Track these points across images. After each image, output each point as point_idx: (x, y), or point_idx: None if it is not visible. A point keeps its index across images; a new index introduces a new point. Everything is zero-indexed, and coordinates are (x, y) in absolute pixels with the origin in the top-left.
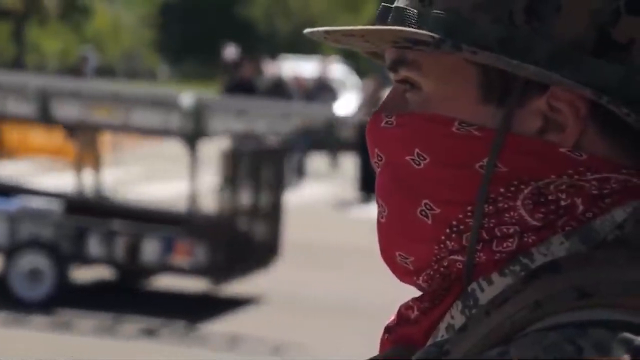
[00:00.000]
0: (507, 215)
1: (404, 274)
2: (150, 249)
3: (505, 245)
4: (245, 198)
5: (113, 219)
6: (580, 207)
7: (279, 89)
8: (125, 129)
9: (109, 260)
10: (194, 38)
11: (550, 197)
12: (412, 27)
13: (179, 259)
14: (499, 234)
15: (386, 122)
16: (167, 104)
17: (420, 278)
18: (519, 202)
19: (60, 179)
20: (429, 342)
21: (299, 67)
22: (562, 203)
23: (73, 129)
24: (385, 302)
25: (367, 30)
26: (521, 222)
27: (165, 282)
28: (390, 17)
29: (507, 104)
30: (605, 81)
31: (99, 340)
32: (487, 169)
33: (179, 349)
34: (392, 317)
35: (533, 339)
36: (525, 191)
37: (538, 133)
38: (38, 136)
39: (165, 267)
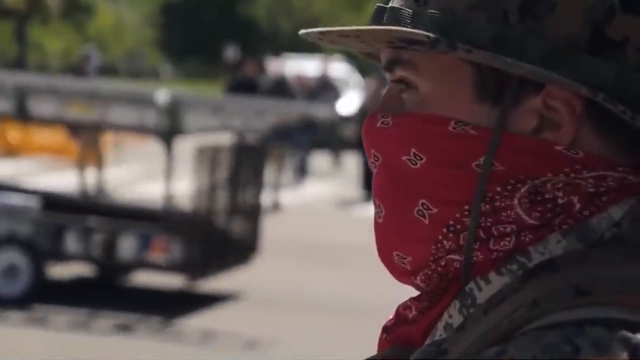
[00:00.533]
0: (504, 214)
1: (401, 274)
2: (127, 246)
3: (502, 244)
4: (223, 195)
5: (90, 216)
6: (577, 205)
7: (282, 88)
8: (101, 125)
9: (86, 257)
10: (197, 37)
11: (547, 196)
12: (407, 27)
13: (156, 255)
14: (496, 233)
15: (382, 123)
16: (143, 101)
17: (418, 278)
18: (515, 201)
19: (63, 178)
20: (427, 342)
21: (301, 66)
22: (559, 201)
23: (76, 128)
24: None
25: (362, 30)
26: (518, 220)
27: (143, 279)
28: (385, 18)
29: (503, 103)
30: (600, 79)
31: (74, 336)
32: (483, 168)
33: (154, 344)
34: (390, 317)
35: (531, 338)
36: (522, 190)
37: (534, 132)
38: (40, 135)
39: (142, 264)
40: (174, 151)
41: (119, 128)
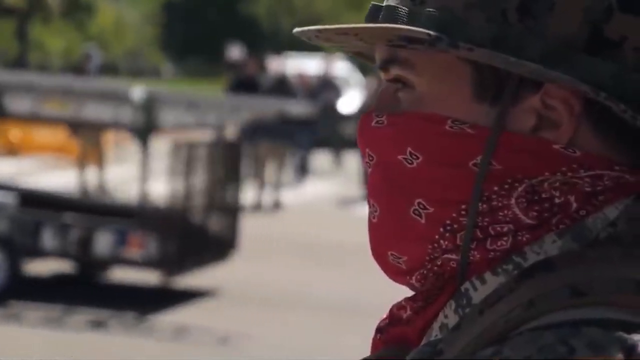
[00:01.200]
0: (501, 214)
1: (396, 273)
2: (103, 242)
3: (499, 244)
4: (200, 191)
5: (67, 212)
6: (574, 205)
7: (283, 87)
8: (77, 122)
9: (62, 254)
10: (198, 36)
11: (544, 195)
12: (402, 25)
13: (132, 251)
14: (493, 232)
15: (377, 122)
16: (118, 98)
17: (414, 278)
18: (513, 201)
19: (64, 177)
20: (423, 342)
21: (302, 65)
22: (556, 201)
23: (77, 127)
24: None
25: (361, 28)
26: (515, 220)
27: (120, 275)
28: (381, 16)
29: (501, 102)
30: (598, 79)
31: (49, 332)
32: (481, 167)
33: (128, 340)
34: (384, 317)
35: (527, 339)
36: (519, 189)
37: (532, 131)
38: (42, 134)
39: (118, 260)
40: (150, 148)
41: (94, 125)
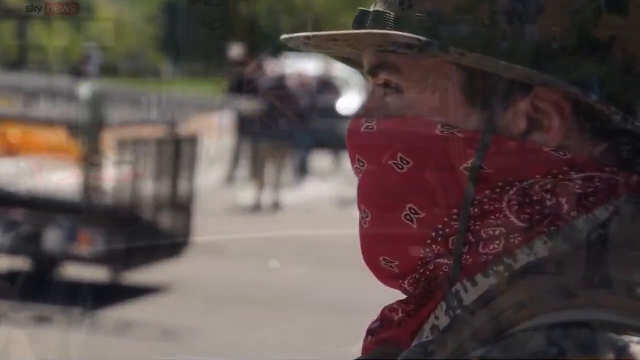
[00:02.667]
0: (492, 217)
1: (387, 277)
2: (52, 238)
3: (491, 247)
4: (151, 187)
5: (15, 208)
6: (565, 207)
7: (282, 87)
8: (24, 119)
9: (11, 250)
10: (198, 36)
11: (535, 198)
12: (393, 31)
13: (82, 247)
14: (484, 236)
15: (366, 127)
16: (66, 95)
17: (406, 282)
18: (504, 204)
19: (64, 177)
20: (414, 344)
21: (302, 65)
22: (547, 203)
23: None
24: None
25: (351, 34)
26: (507, 223)
27: (71, 271)
28: (369, 21)
29: (491, 105)
30: (587, 80)
31: None
32: (472, 171)
33: (71, 335)
34: (375, 319)
35: (517, 340)
36: (511, 192)
37: (522, 134)
38: (40, 134)
39: (67, 256)
40: (98, 144)
41: (42, 122)
